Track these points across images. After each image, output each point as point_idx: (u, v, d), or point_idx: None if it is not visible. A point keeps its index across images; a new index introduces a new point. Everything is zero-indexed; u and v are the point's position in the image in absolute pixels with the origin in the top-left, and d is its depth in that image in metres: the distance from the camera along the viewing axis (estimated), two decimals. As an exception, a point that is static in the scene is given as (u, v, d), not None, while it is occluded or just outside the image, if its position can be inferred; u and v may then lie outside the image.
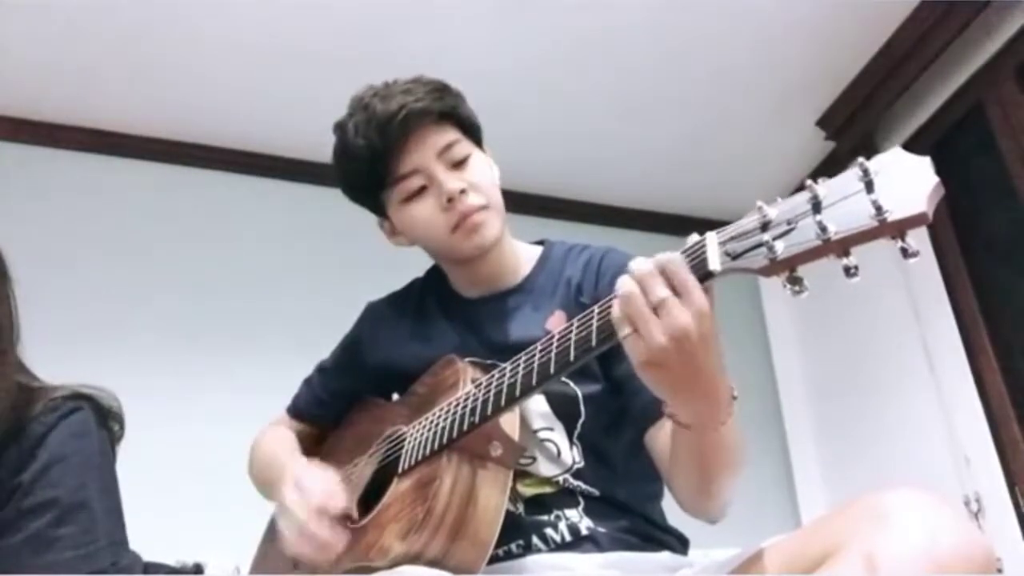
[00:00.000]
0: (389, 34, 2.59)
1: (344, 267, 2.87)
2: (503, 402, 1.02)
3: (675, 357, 0.84)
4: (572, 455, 1.17)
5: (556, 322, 1.19)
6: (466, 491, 1.03)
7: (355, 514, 1.17)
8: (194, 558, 1.67)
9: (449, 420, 1.08)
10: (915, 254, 0.70)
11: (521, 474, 1.14)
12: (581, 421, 1.18)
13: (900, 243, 0.71)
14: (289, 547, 1.10)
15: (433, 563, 1.00)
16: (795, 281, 0.77)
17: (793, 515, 3.07)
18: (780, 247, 0.76)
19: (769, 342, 3.43)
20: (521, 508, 1.14)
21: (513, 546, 1.12)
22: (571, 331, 0.97)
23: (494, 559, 1.06)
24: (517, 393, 1.01)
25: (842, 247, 0.73)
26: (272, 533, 1.38)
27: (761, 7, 2.62)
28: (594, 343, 0.92)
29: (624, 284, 0.85)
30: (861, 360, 3.03)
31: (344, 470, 1.28)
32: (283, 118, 2.89)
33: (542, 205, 3.22)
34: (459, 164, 1.23)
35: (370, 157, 1.21)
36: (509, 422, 1.09)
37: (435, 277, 1.38)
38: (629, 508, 1.16)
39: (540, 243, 1.37)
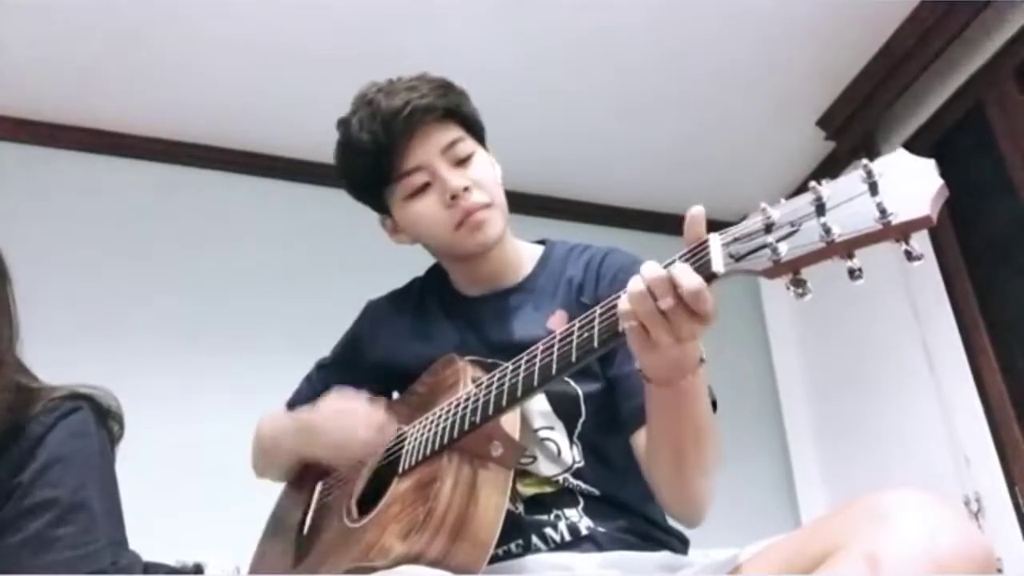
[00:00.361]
0: (389, 34, 2.59)
1: (344, 267, 2.87)
2: (504, 402, 1.02)
3: (674, 349, 0.88)
4: (572, 454, 1.17)
5: (557, 321, 1.19)
6: (467, 492, 1.03)
7: (355, 514, 1.17)
8: (194, 558, 1.67)
9: (450, 420, 1.08)
10: (919, 257, 0.70)
11: (521, 473, 1.14)
12: (581, 420, 1.18)
13: (904, 246, 0.70)
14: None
15: (434, 563, 1.00)
16: (798, 283, 0.77)
17: (793, 515, 3.07)
18: (784, 249, 0.76)
19: (769, 342, 3.43)
20: (521, 508, 1.14)
21: (513, 546, 1.12)
22: (573, 332, 0.97)
23: (494, 559, 1.06)
24: (519, 393, 1.01)
25: (846, 249, 0.73)
26: (272, 532, 1.38)
27: (761, 7, 2.62)
28: (596, 344, 0.93)
29: (635, 284, 0.86)
30: (861, 360, 3.03)
31: (344, 469, 1.28)
32: (283, 118, 2.89)
33: (542, 205, 3.22)
34: (463, 162, 1.23)
35: (374, 152, 1.21)
36: (510, 422, 1.09)
37: (436, 276, 1.38)
38: (629, 508, 1.17)
39: (541, 243, 1.37)
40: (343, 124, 1.27)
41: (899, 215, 0.70)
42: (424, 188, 1.22)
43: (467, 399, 1.08)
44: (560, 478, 1.16)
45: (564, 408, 1.18)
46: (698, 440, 1.02)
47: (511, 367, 1.04)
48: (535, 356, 1.01)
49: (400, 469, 1.13)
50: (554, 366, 0.97)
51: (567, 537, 1.12)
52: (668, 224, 3.43)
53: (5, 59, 2.58)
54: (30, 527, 1.10)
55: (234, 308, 2.79)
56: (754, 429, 3.18)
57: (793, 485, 3.16)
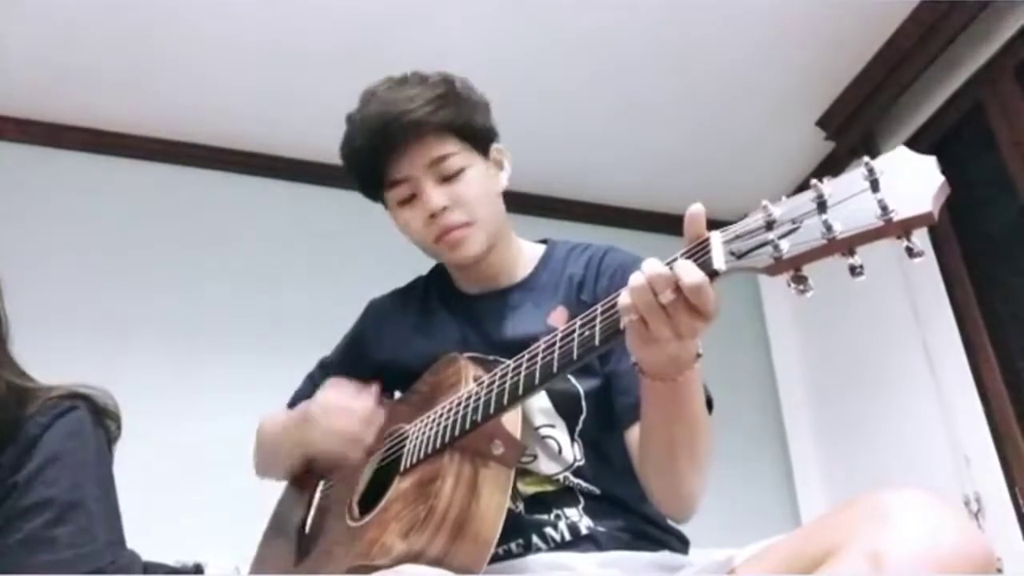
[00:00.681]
0: (389, 34, 2.59)
1: (344, 267, 2.87)
2: (506, 401, 1.03)
3: (673, 344, 0.88)
4: (573, 452, 1.17)
5: (558, 318, 1.19)
6: (468, 490, 1.03)
7: (357, 513, 1.17)
8: (194, 558, 1.67)
9: (451, 419, 1.08)
10: (920, 253, 0.70)
11: (522, 472, 1.14)
12: (582, 418, 1.18)
13: (906, 243, 0.70)
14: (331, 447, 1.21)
15: (435, 562, 1.00)
16: (800, 280, 0.77)
17: (793, 515, 3.06)
18: (785, 246, 0.76)
19: (769, 342, 3.43)
20: (521, 507, 1.14)
21: (513, 545, 1.12)
22: (575, 329, 0.97)
23: (494, 558, 1.06)
24: (520, 392, 1.01)
25: (847, 246, 0.73)
26: (274, 532, 1.38)
27: (761, 7, 2.62)
28: (598, 342, 0.93)
29: (637, 278, 0.86)
30: (861, 360, 3.02)
31: (345, 468, 1.28)
32: (283, 118, 2.89)
33: (542, 205, 3.22)
34: (450, 178, 1.23)
35: (368, 158, 1.24)
36: (511, 421, 1.09)
37: (438, 274, 1.39)
38: (629, 507, 1.17)
39: (544, 242, 1.38)
40: (348, 121, 1.28)
41: (900, 212, 0.70)
42: (411, 199, 1.24)
43: (468, 398, 1.08)
44: (561, 477, 1.16)
45: (565, 406, 1.18)
46: (692, 436, 1.03)
47: (512, 365, 1.05)
48: (536, 354, 1.01)
49: (401, 468, 1.13)
50: (555, 364, 0.97)
51: (567, 537, 1.13)
52: (668, 224, 3.42)
53: (6, 59, 2.58)
54: (27, 527, 1.10)
55: (234, 308, 2.79)
56: (754, 429, 3.18)
57: (793, 485, 3.15)
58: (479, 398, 1.06)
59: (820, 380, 3.24)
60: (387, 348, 1.34)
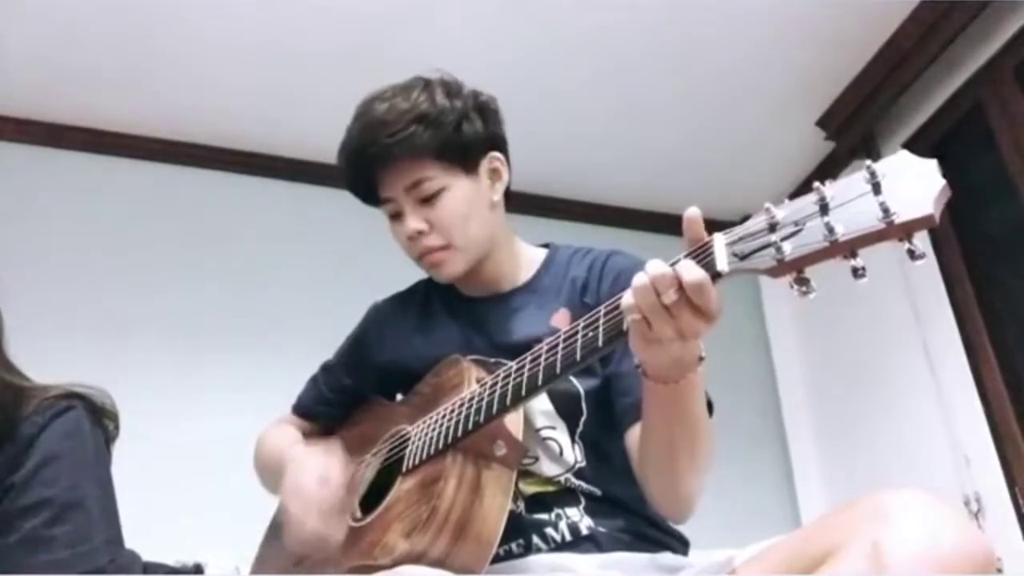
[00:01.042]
0: (389, 34, 2.59)
1: (344, 267, 2.87)
2: (508, 402, 1.03)
3: (676, 345, 0.88)
4: (574, 454, 1.17)
5: (561, 319, 1.20)
6: (470, 491, 1.03)
7: (358, 513, 1.17)
8: (194, 558, 1.67)
9: (454, 420, 1.09)
10: (922, 256, 0.70)
11: (523, 473, 1.14)
12: (583, 419, 1.18)
13: (907, 245, 0.71)
14: (291, 544, 1.12)
15: (436, 563, 1.00)
16: (802, 282, 0.78)
17: (793, 515, 3.06)
18: (788, 248, 0.76)
19: (769, 342, 3.43)
20: (522, 506, 1.14)
21: (513, 546, 1.13)
22: (577, 331, 0.97)
23: (495, 559, 1.06)
24: (523, 393, 1.02)
25: (849, 248, 0.74)
26: (273, 533, 1.38)
27: (761, 7, 2.62)
28: (601, 343, 0.93)
29: (640, 278, 0.86)
30: (861, 360, 3.02)
31: (348, 469, 1.28)
32: (283, 118, 2.89)
33: (542, 205, 3.22)
34: (428, 200, 1.23)
35: (354, 176, 1.26)
36: (513, 422, 1.09)
37: None
38: (630, 508, 1.17)
39: (546, 246, 1.38)
40: (345, 132, 1.29)
41: (902, 215, 0.70)
42: (398, 215, 1.26)
43: (471, 399, 1.08)
44: (562, 478, 1.16)
45: (566, 407, 1.18)
46: (692, 439, 1.03)
47: (515, 367, 1.05)
48: (539, 356, 1.02)
49: (404, 468, 1.14)
50: (558, 365, 0.98)
51: (568, 537, 1.13)
52: (669, 224, 3.41)
53: (6, 59, 2.58)
54: (25, 527, 1.10)
55: (234, 308, 2.79)
56: (754, 429, 3.18)
57: (793, 485, 3.15)
58: (481, 399, 1.07)
59: (820, 380, 3.24)
60: (389, 350, 1.35)
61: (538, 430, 1.17)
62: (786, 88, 2.96)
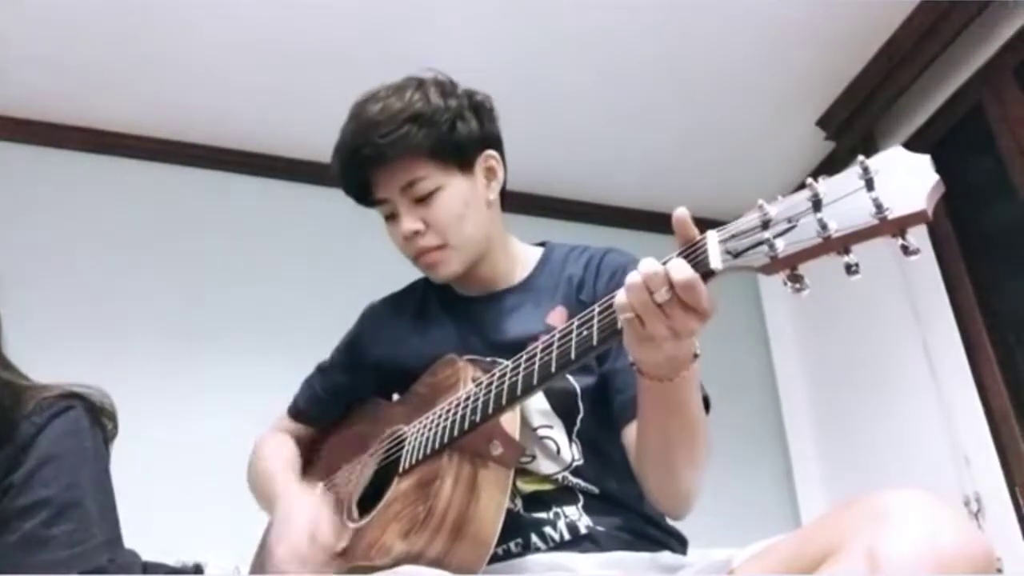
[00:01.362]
0: (389, 33, 2.59)
1: (344, 267, 2.87)
2: (504, 401, 1.03)
3: (669, 343, 0.88)
4: (571, 452, 1.17)
5: (557, 317, 1.20)
6: (467, 490, 1.03)
7: (356, 513, 1.17)
8: (194, 558, 1.67)
9: (450, 419, 1.09)
10: (916, 251, 0.70)
11: (520, 472, 1.14)
12: (580, 417, 1.18)
13: (901, 240, 0.71)
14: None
15: (434, 562, 1.00)
16: (796, 279, 0.78)
17: (793, 515, 3.06)
18: (781, 245, 0.76)
19: (769, 342, 3.43)
20: (520, 505, 1.14)
21: (512, 545, 1.12)
22: (572, 330, 0.97)
23: (493, 558, 1.07)
24: (519, 392, 1.01)
25: (843, 245, 0.74)
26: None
27: (760, 7, 2.62)
28: (595, 342, 0.93)
29: (632, 277, 0.86)
30: (861, 360, 3.02)
31: (345, 470, 1.28)
32: (283, 118, 2.89)
33: (542, 205, 3.22)
34: (423, 200, 1.22)
35: (349, 177, 1.25)
36: (510, 421, 1.09)
37: None
38: (628, 506, 1.17)
39: (542, 245, 1.38)
40: (340, 133, 1.28)
41: (895, 210, 0.70)
42: (393, 216, 1.25)
43: (467, 398, 1.08)
44: (559, 476, 1.16)
45: (563, 406, 1.18)
46: (689, 435, 1.03)
47: (511, 366, 1.05)
48: (535, 355, 1.02)
49: (401, 468, 1.14)
50: (554, 364, 0.98)
51: (566, 536, 1.13)
52: (668, 224, 3.38)
53: (6, 59, 2.58)
54: (24, 527, 1.09)
55: (234, 308, 2.79)
56: (754, 429, 3.17)
57: (793, 485, 3.15)
58: (478, 399, 1.06)
59: (820, 380, 3.23)
60: (385, 350, 1.34)
61: (535, 429, 1.17)
62: (786, 88, 2.96)
